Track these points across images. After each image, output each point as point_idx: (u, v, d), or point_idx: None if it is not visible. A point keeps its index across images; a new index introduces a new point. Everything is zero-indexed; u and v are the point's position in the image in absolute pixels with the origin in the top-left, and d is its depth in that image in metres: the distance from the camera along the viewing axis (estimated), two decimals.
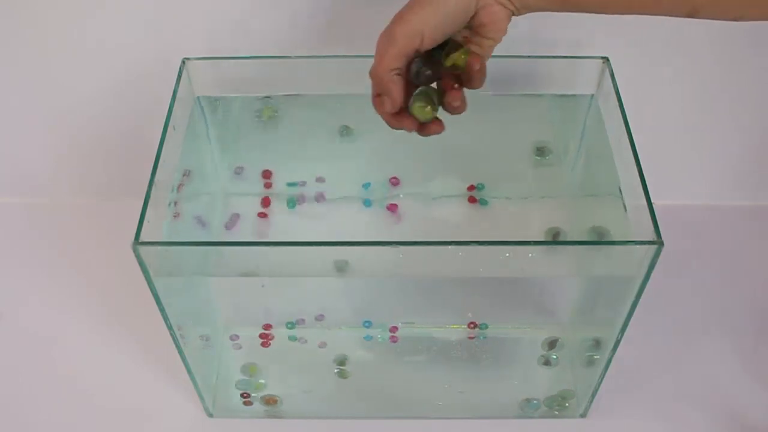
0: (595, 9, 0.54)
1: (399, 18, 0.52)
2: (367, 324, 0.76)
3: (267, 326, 0.75)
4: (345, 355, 0.75)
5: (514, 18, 0.55)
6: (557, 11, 0.55)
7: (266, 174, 0.77)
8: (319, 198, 0.77)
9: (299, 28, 0.76)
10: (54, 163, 0.90)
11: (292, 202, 0.77)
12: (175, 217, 0.64)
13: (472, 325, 0.76)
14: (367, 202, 0.77)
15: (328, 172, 0.78)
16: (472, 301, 0.76)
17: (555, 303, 0.77)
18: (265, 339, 0.75)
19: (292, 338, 0.76)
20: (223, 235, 0.74)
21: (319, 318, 0.76)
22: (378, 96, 0.55)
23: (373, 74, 0.54)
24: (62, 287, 0.85)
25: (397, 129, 0.56)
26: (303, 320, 0.76)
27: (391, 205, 0.77)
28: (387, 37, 0.53)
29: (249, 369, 0.75)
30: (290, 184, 0.78)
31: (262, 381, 0.75)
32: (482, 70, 0.54)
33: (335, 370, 0.75)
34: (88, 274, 0.86)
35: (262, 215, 0.76)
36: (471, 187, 0.78)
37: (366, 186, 0.78)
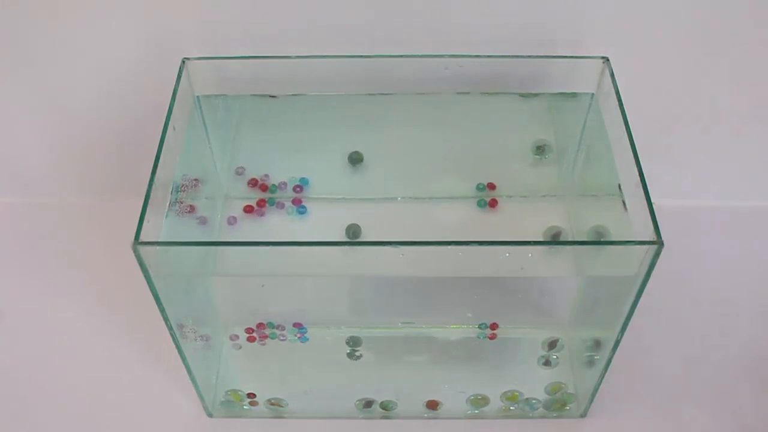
0: None
1: None
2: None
3: (264, 326, 0.75)
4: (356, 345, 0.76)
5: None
6: None
7: (266, 174, 0.77)
8: (320, 198, 0.77)
9: (299, 28, 0.76)
10: (54, 163, 0.90)
11: (292, 202, 0.77)
12: (175, 215, 0.64)
13: (494, 326, 0.76)
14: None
15: (328, 171, 0.78)
16: (472, 301, 0.75)
17: (555, 303, 0.77)
18: (265, 339, 0.75)
19: (292, 338, 0.76)
20: (224, 234, 0.74)
21: (318, 318, 0.76)
22: None
23: None
24: (62, 287, 0.85)
25: None
26: (302, 320, 0.76)
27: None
28: None
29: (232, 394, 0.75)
30: (290, 184, 0.78)
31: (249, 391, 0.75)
32: None
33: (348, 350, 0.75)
34: (88, 274, 0.86)
35: (262, 215, 0.76)
36: (491, 186, 0.77)
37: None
